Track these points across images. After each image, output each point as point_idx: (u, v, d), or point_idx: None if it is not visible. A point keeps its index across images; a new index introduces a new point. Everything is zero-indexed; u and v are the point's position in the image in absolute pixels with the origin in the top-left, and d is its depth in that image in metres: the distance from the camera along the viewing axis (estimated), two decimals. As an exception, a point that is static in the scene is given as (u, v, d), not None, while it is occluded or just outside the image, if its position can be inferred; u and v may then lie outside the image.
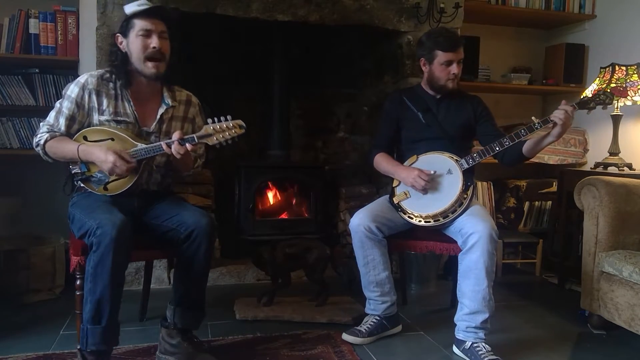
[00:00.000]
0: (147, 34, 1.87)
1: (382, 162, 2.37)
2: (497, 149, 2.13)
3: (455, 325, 2.14)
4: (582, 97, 2.13)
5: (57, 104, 1.93)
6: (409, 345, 2.24)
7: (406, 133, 2.38)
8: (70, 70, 2.96)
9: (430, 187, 2.19)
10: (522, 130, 2.08)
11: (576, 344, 2.33)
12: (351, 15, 3.04)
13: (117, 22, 2.67)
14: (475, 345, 2.05)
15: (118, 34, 1.93)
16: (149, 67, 1.89)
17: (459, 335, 2.12)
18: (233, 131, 1.83)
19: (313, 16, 2.98)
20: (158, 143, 1.86)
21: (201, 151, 2.11)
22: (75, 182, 1.99)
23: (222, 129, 1.82)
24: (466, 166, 2.18)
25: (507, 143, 2.12)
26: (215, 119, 1.83)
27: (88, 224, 1.74)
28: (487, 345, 2.05)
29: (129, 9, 1.89)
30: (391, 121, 2.40)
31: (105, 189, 1.91)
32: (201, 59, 3.31)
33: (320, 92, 3.73)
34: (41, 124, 1.93)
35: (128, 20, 1.89)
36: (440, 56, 2.23)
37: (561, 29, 3.97)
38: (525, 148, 2.16)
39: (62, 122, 1.90)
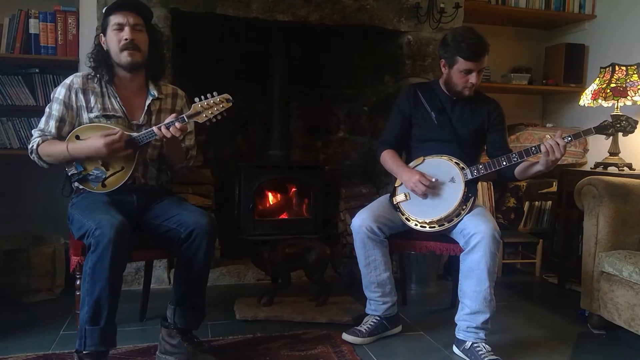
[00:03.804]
0: (120, 27, 1.92)
1: (388, 160, 2.34)
2: (505, 163, 2.11)
3: (456, 325, 2.13)
4: (602, 121, 2.10)
5: (47, 109, 1.96)
6: (409, 345, 2.24)
7: (416, 131, 2.34)
8: (70, 71, 2.92)
9: (431, 193, 2.18)
10: (533, 148, 2.05)
11: (576, 344, 2.33)
12: (351, 15, 3.04)
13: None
14: (475, 345, 2.05)
15: (101, 34, 1.99)
16: (125, 56, 1.93)
17: (459, 335, 2.11)
18: (221, 106, 1.85)
19: (313, 16, 2.98)
20: (150, 129, 1.88)
21: (192, 142, 2.13)
22: (72, 184, 2.00)
23: (210, 105, 1.84)
24: (470, 177, 2.16)
25: (515, 159, 2.10)
26: (202, 97, 1.85)
27: (87, 224, 1.74)
28: (487, 345, 2.05)
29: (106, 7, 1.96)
30: (403, 118, 2.35)
31: (104, 185, 1.91)
32: (201, 59, 3.31)
33: (320, 92, 3.73)
34: (33, 131, 1.97)
35: (104, 18, 1.95)
36: (461, 63, 2.14)
37: (561, 29, 3.97)
38: (517, 170, 2.16)
39: (52, 124, 1.93)
